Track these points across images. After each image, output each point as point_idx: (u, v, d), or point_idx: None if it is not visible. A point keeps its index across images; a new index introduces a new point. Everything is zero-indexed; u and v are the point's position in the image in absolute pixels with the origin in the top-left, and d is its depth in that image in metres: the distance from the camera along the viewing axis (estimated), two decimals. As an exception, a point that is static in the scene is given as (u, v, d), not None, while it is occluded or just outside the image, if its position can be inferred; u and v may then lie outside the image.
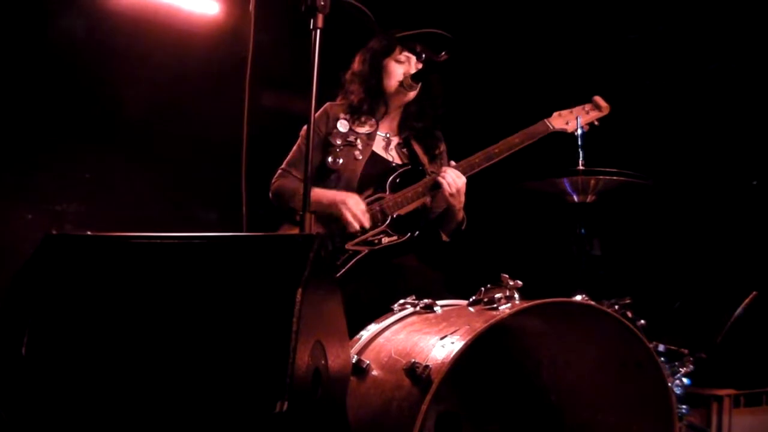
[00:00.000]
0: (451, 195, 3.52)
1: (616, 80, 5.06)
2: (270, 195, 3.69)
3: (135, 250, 2.02)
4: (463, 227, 3.74)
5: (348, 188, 3.56)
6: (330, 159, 3.60)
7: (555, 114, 3.76)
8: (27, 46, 4.67)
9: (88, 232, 2.14)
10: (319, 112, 3.67)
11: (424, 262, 3.73)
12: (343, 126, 3.68)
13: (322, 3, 2.56)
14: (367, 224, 3.46)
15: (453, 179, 3.52)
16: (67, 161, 4.77)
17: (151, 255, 2.00)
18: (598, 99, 3.79)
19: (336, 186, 3.57)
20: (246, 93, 2.69)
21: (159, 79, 4.92)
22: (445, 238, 3.74)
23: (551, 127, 3.73)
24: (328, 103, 3.75)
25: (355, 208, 3.44)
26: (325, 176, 3.60)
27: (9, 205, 4.59)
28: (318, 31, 2.56)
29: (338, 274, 3.40)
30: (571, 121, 3.72)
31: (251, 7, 2.78)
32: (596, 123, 3.76)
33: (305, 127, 3.71)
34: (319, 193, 3.43)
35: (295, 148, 3.75)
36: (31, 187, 4.72)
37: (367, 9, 2.85)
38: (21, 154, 4.67)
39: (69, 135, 4.79)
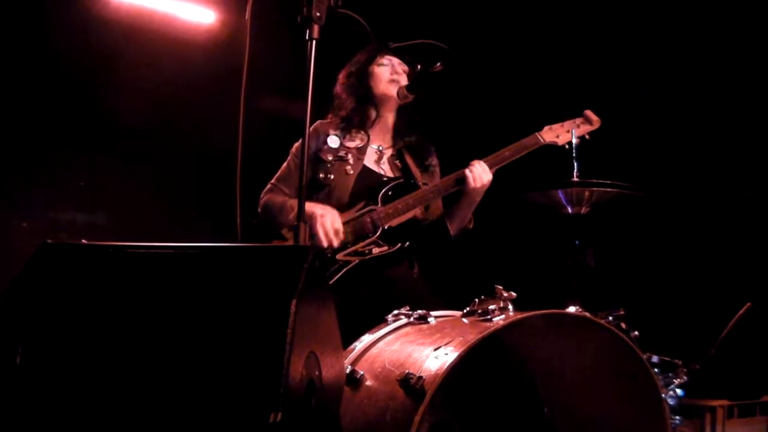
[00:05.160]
0: (474, 189, 3.55)
1: (609, 92, 5.08)
2: (258, 209, 3.69)
3: (130, 259, 2.02)
4: (471, 226, 3.76)
5: (339, 202, 3.57)
6: (321, 175, 3.61)
7: (546, 128, 3.77)
8: (22, 55, 4.67)
9: (83, 241, 2.13)
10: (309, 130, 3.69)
11: (417, 272, 3.74)
12: (333, 142, 3.70)
13: (318, 14, 2.56)
14: (335, 244, 3.39)
15: (479, 174, 3.55)
16: (62, 169, 4.78)
17: (147, 265, 2.00)
18: (589, 113, 3.80)
19: (327, 200, 3.56)
20: (242, 104, 2.69)
21: (155, 87, 4.93)
22: (452, 233, 3.73)
23: (542, 141, 3.75)
24: (318, 122, 3.77)
25: (329, 225, 3.38)
26: (317, 191, 3.60)
27: (4, 212, 4.59)
28: (314, 42, 2.56)
29: (329, 284, 3.40)
30: (562, 134, 3.74)
31: (247, 16, 2.78)
32: (587, 137, 3.77)
33: (296, 144, 3.73)
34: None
35: (284, 164, 3.76)
36: (26, 195, 4.71)
37: (364, 20, 2.86)
38: (16, 161, 4.67)
39: (64, 143, 4.79)
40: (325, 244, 3.36)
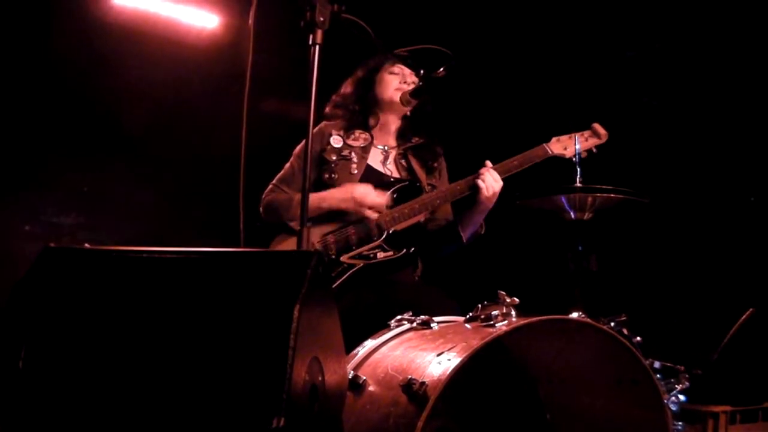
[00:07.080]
0: (487, 198, 3.55)
1: (613, 97, 5.08)
2: (261, 210, 3.69)
3: (133, 264, 2.02)
4: (482, 232, 3.75)
5: None
6: (326, 175, 3.62)
7: (554, 139, 3.76)
8: (25, 60, 4.68)
9: (86, 245, 2.14)
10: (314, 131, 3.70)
11: (421, 277, 3.74)
12: (336, 142, 3.70)
13: (322, 19, 2.57)
14: (384, 204, 3.54)
15: (491, 183, 3.54)
16: (65, 173, 4.78)
17: (149, 269, 2.00)
18: (597, 126, 3.78)
19: None
20: (245, 108, 2.69)
21: (158, 92, 4.94)
22: (464, 239, 3.73)
23: (550, 152, 3.73)
24: (323, 123, 3.78)
25: (369, 198, 3.52)
26: (321, 191, 3.61)
27: (6, 216, 4.59)
28: (317, 46, 2.57)
29: (332, 287, 3.39)
30: (570, 146, 3.72)
31: (250, 20, 2.78)
32: (594, 150, 3.76)
33: (298, 146, 3.73)
34: (316, 199, 3.44)
35: (287, 165, 3.76)
36: (29, 199, 4.72)
37: (367, 25, 2.85)
38: (19, 165, 4.67)
39: (67, 147, 4.79)
40: (375, 215, 3.54)
